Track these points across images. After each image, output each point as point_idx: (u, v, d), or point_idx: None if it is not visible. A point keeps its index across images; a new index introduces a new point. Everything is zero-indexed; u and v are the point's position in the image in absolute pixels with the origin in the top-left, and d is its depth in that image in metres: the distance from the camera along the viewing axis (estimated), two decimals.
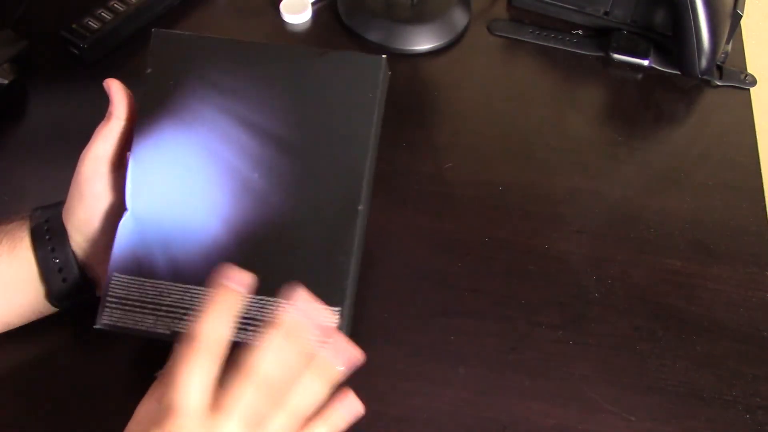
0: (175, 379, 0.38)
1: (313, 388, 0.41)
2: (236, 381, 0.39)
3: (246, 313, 0.44)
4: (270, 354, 0.40)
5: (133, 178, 0.48)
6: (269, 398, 0.39)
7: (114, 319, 0.46)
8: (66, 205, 0.49)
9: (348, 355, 0.42)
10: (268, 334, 0.40)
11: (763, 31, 0.91)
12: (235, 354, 0.40)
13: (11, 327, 0.50)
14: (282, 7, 0.76)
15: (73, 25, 0.69)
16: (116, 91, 0.48)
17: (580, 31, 0.78)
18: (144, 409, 0.40)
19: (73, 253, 0.48)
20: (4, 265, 0.47)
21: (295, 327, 0.41)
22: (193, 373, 0.38)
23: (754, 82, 0.74)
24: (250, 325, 0.44)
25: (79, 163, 0.48)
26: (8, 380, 0.51)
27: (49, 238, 0.48)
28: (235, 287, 0.40)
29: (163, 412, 0.38)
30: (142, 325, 0.46)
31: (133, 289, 0.47)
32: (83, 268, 0.49)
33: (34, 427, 0.49)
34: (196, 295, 0.46)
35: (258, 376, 0.39)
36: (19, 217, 0.49)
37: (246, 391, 0.39)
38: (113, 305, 0.47)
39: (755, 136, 0.70)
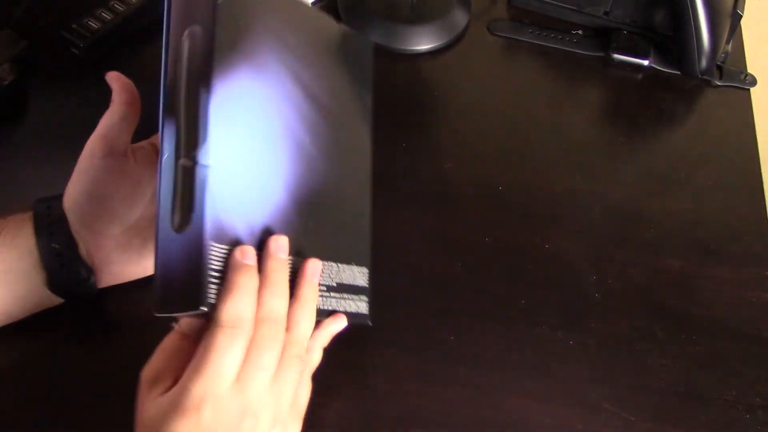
0: (202, 367, 0.38)
1: (308, 315, 0.44)
2: (252, 344, 0.40)
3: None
4: (272, 299, 0.42)
5: (215, 124, 0.40)
6: (279, 335, 0.41)
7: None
8: (66, 189, 0.49)
9: (315, 267, 0.45)
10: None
11: (763, 31, 0.91)
12: None
13: (13, 319, 0.50)
14: None
15: (73, 25, 0.69)
16: (113, 80, 0.48)
17: (580, 31, 0.78)
18: (151, 406, 0.39)
19: (72, 238, 0.48)
20: (5, 254, 0.47)
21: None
22: (224, 360, 0.39)
23: (754, 82, 0.74)
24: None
25: None
26: (9, 374, 0.51)
27: (49, 224, 0.48)
28: (251, 263, 0.41)
29: (188, 403, 0.38)
30: None
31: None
32: (83, 254, 0.49)
33: (35, 421, 0.49)
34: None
35: (266, 321, 0.41)
36: (22, 210, 0.50)
37: (260, 339, 0.40)
38: (217, 283, 0.39)
39: (755, 136, 0.70)
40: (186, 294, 0.39)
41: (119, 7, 0.71)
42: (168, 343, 0.42)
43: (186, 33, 0.41)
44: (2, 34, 0.66)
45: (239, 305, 0.39)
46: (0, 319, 0.49)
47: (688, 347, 0.55)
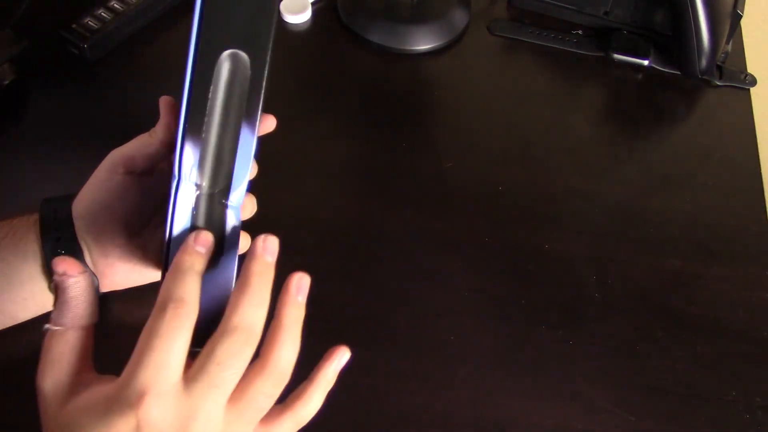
0: (145, 355, 0.34)
1: (291, 344, 0.36)
2: (215, 340, 0.34)
3: None
4: (250, 307, 0.35)
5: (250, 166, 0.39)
6: (248, 352, 0.35)
7: None
8: (79, 194, 0.49)
9: (302, 283, 0.37)
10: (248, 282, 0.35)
11: (763, 31, 0.91)
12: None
13: (17, 321, 0.50)
14: (282, 7, 0.76)
15: (73, 25, 0.69)
16: (165, 106, 0.45)
17: (580, 31, 0.78)
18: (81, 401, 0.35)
19: (78, 244, 0.48)
20: (10, 257, 0.47)
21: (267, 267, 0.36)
22: (169, 346, 0.34)
23: (754, 82, 0.74)
24: None
25: None
26: (9, 374, 0.50)
27: (56, 228, 0.48)
28: (200, 249, 0.37)
29: (129, 396, 0.33)
30: None
31: None
32: (88, 260, 0.49)
33: (35, 420, 0.49)
34: None
35: (238, 331, 0.34)
36: (27, 212, 0.49)
37: (224, 351, 0.34)
38: None
39: (755, 136, 0.70)
40: (205, 332, 0.37)
41: (119, 7, 0.71)
42: (72, 353, 0.38)
43: (226, 54, 0.37)
44: (2, 34, 0.66)
45: (173, 288, 0.35)
46: (4, 321, 0.49)
47: (689, 347, 0.55)
